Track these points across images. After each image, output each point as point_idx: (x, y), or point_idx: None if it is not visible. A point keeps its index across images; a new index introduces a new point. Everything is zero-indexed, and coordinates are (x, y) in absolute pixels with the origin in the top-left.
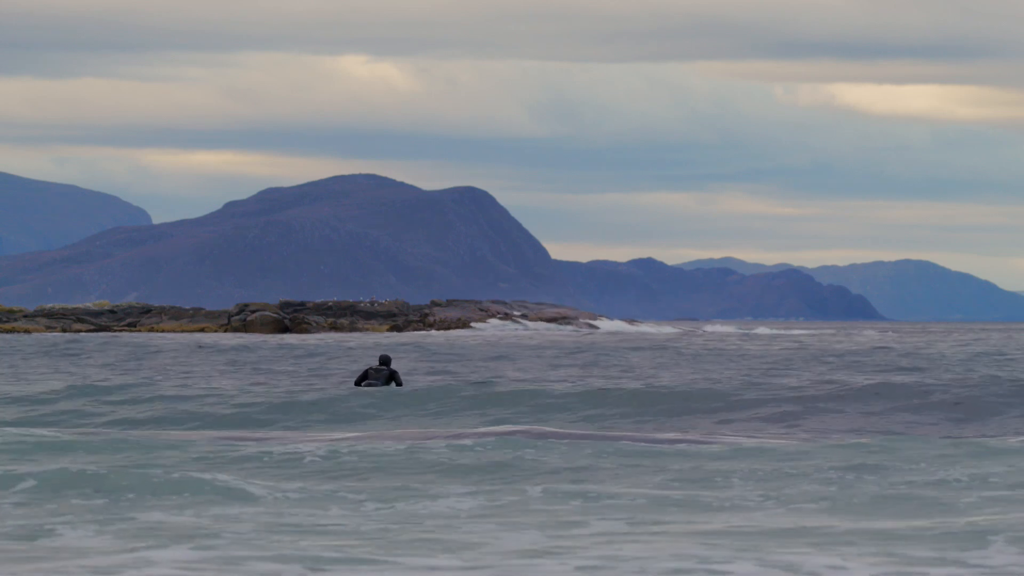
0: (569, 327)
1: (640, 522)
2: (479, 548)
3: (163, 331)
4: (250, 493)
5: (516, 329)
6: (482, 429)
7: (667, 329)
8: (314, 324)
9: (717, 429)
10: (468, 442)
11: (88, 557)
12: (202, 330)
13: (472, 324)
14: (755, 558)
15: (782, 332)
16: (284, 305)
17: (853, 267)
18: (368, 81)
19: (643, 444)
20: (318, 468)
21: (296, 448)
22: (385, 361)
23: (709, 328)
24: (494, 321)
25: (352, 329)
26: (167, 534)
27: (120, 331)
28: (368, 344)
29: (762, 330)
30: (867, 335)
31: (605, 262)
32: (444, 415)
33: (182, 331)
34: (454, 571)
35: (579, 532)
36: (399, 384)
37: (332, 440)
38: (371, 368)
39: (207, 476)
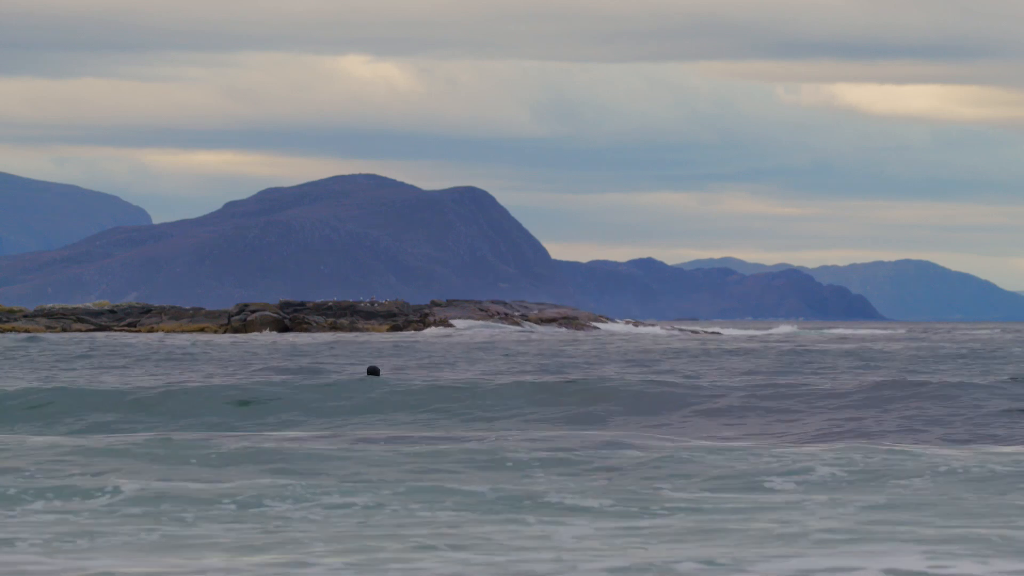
0: (567, 329)
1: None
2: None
3: (163, 331)
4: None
5: (503, 330)
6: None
7: (666, 330)
8: (314, 324)
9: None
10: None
11: None
12: (202, 330)
13: (453, 323)
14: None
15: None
16: (284, 305)
17: (853, 267)
18: (368, 81)
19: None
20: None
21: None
22: (373, 372)
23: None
24: (472, 321)
25: (352, 329)
26: None
27: (120, 331)
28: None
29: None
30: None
31: (605, 262)
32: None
33: (182, 331)
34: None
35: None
36: None
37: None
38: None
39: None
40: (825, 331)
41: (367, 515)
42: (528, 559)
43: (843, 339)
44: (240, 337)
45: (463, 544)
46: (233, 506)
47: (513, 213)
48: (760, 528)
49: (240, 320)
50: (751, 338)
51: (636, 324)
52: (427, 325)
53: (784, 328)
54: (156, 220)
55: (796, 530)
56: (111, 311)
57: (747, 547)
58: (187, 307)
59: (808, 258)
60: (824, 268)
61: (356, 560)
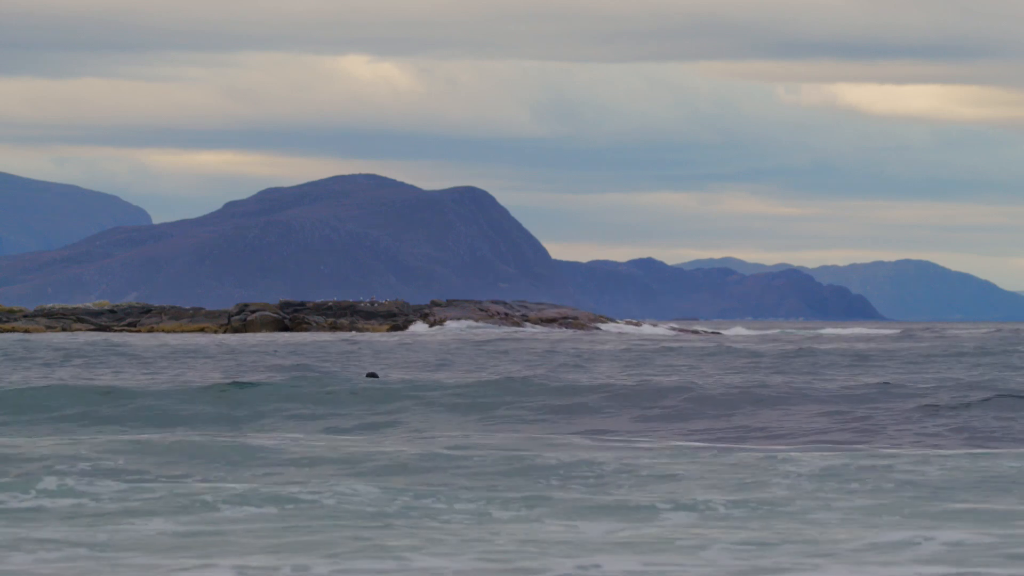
0: (568, 330)
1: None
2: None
3: (163, 331)
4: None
5: (502, 330)
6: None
7: (667, 330)
8: (314, 324)
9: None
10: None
11: None
12: (202, 330)
13: (448, 322)
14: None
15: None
16: (284, 305)
17: (853, 267)
18: (368, 81)
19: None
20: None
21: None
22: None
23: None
24: (471, 322)
25: (352, 329)
26: None
27: (120, 331)
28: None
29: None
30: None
31: (605, 262)
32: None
33: (182, 331)
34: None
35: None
36: None
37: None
38: None
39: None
40: (819, 331)
41: (380, 510)
42: (542, 555)
43: (839, 339)
44: (240, 337)
45: (475, 540)
46: (240, 503)
47: (513, 213)
48: (770, 528)
49: (240, 320)
50: (749, 338)
51: (638, 324)
52: (431, 324)
53: (776, 330)
54: (156, 220)
55: (810, 532)
56: (111, 311)
57: (761, 548)
58: (187, 307)
59: (808, 258)
60: (824, 268)
61: (375, 556)
